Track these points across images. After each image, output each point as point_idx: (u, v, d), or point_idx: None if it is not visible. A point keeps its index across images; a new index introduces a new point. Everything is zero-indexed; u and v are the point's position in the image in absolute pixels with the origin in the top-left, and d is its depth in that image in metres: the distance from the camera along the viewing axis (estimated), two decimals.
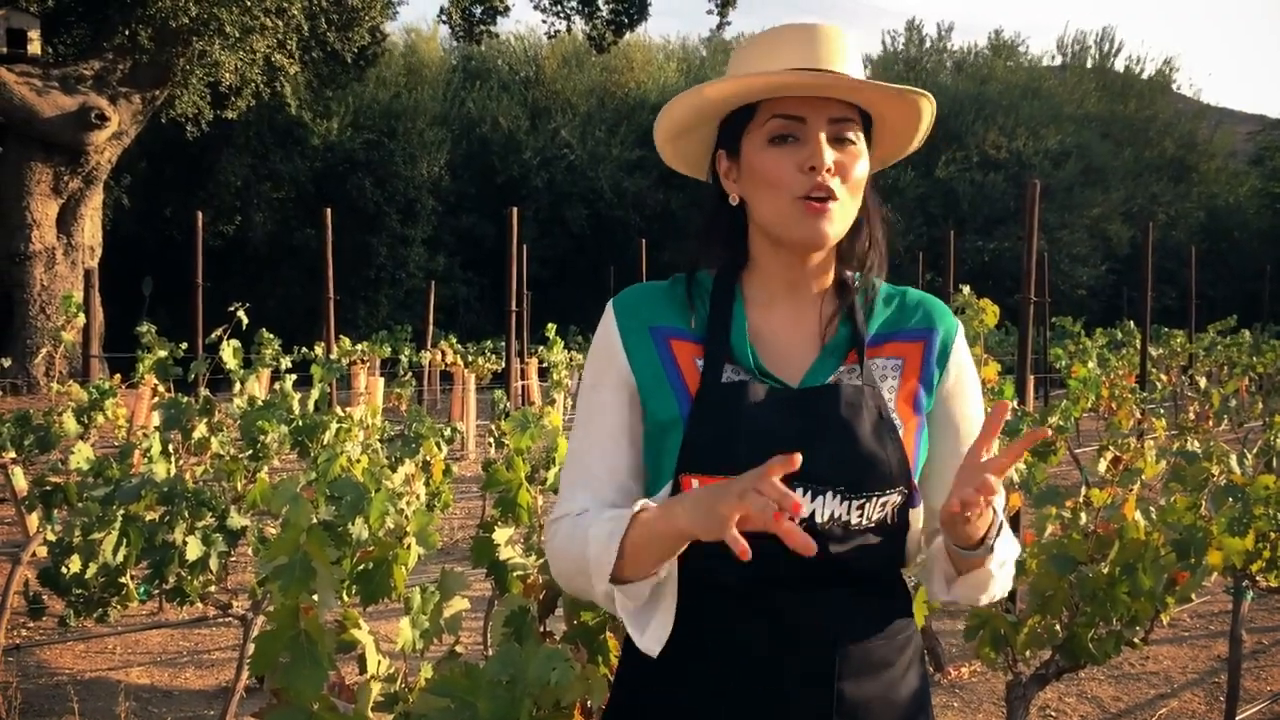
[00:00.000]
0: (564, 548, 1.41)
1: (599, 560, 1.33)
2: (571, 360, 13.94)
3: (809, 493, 1.35)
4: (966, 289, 4.97)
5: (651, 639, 1.36)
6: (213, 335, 6.32)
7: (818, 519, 1.36)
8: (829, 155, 1.37)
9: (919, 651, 1.50)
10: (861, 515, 1.37)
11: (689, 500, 1.26)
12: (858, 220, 1.47)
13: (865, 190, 1.47)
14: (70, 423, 5.47)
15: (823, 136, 1.38)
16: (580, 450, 1.47)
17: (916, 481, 1.43)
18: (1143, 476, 3.87)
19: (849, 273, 1.48)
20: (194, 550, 3.31)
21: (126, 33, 16.58)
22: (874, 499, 1.37)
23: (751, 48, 1.46)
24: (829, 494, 1.35)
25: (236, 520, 3.53)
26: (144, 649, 5.15)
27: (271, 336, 12.38)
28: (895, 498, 1.39)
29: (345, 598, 2.35)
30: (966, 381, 1.49)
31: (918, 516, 1.45)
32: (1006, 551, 1.42)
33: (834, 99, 1.41)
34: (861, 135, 1.43)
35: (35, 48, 16.32)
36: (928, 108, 1.47)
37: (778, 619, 1.37)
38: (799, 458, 1.17)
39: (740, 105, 1.44)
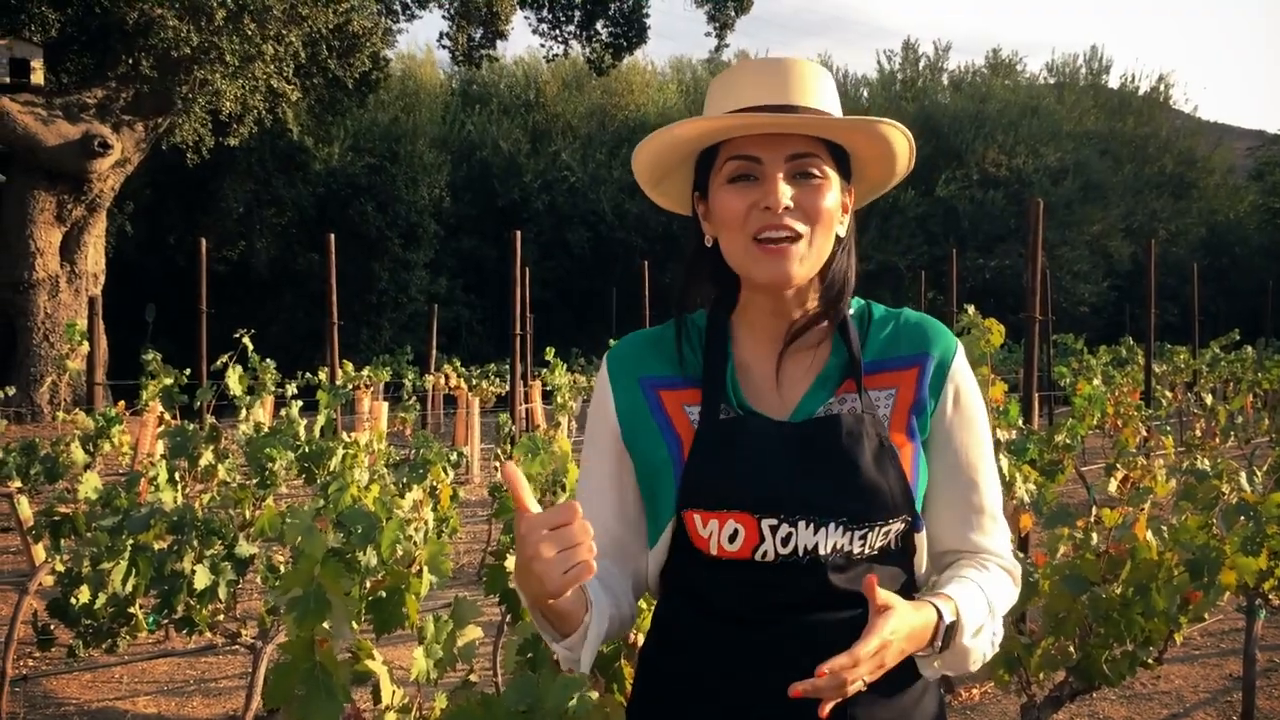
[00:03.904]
0: None
1: (538, 622, 1.39)
2: (575, 383, 13.93)
3: (811, 525, 1.35)
4: (971, 309, 4.96)
5: (587, 666, 1.41)
6: (218, 362, 6.32)
7: (821, 550, 1.36)
8: (785, 194, 1.36)
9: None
10: (864, 545, 1.37)
11: (517, 575, 1.31)
12: (835, 250, 1.44)
13: (849, 225, 1.46)
14: (78, 452, 5.47)
15: (780, 176, 1.36)
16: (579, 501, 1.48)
17: (919, 508, 1.42)
18: (1153, 495, 3.86)
19: (829, 295, 1.46)
20: (203, 579, 3.31)
21: (129, 61, 16.66)
22: (877, 528, 1.37)
23: (718, 85, 1.46)
24: (831, 525, 1.35)
25: (245, 548, 3.52)
26: (151, 678, 5.13)
27: (269, 363, 12.38)
28: (898, 525, 1.39)
29: (355, 626, 2.34)
30: (966, 404, 1.46)
31: (923, 540, 1.44)
32: (978, 616, 1.38)
33: (793, 134, 1.38)
34: (830, 168, 1.40)
35: (38, 77, 16.40)
36: (896, 135, 1.44)
37: (791, 643, 1.37)
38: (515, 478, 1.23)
39: (704, 147, 1.44)
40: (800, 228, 1.37)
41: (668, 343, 1.50)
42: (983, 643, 1.39)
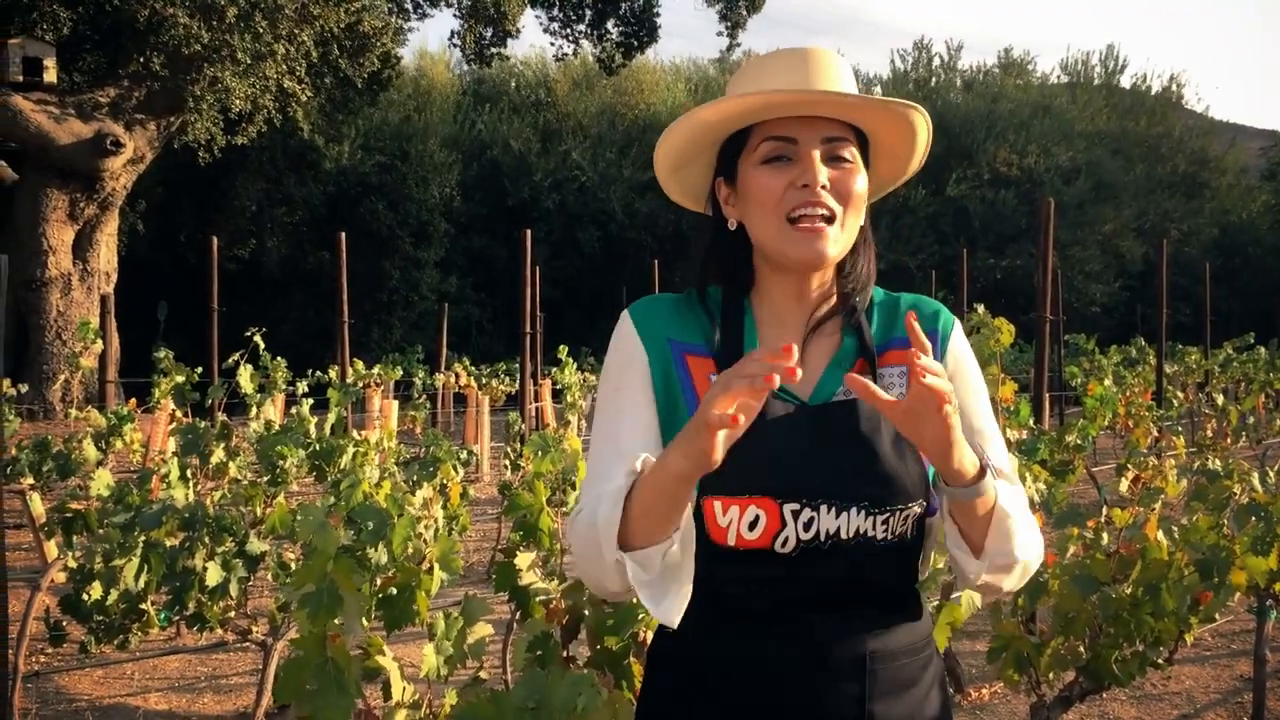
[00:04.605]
0: (580, 531, 1.37)
1: (607, 526, 1.30)
2: (585, 381, 13.94)
3: (833, 509, 1.35)
4: (981, 308, 4.96)
5: (669, 609, 1.32)
6: (230, 360, 6.35)
7: (843, 535, 1.35)
8: (823, 173, 1.38)
9: (940, 672, 1.50)
10: (886, 529, 1.37)
11: (675, 440, 1.24)
12: (856, 242, 1.47)
13: (865, 215, 1.47)
14: (90, 449, 5.50)
15: (816, 155, 1.39)
16: (609, 444, 1.43)
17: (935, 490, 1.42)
18: (1164, 495, 3.85)
19: (851, 287, 1.48)
20: (214, 576, 3.32)
21: (141, 60, 16.72)
22: (897, 512, 1.37)
23: (744, 73, 1.47)
24: (853, 509, 1.35)
25: (256, 545, 3.53)
26: (162, 674, 5.15)
27: (280, 361, 12.42)
28: (916, 509, 1.39)
29: (366, 623, 2.35)
30: (965, 370, 1.49)
31: (934, 526, 1.45)
32: (1016, 502, 1.37)
33: (827, 119, 1.41)
34: (858, 154, 1.43)
35: (51, 76, 16.46)
36: (922, 122, 1.47)
37: (808, 641, 1.37)
38: (795, 350, 1.15)
39: (735, 130, 1.45)
40: (836, 207, 1.39)
41: (693, 310, 1.49)
42: (1022, 523, 1.36)
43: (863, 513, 1.35)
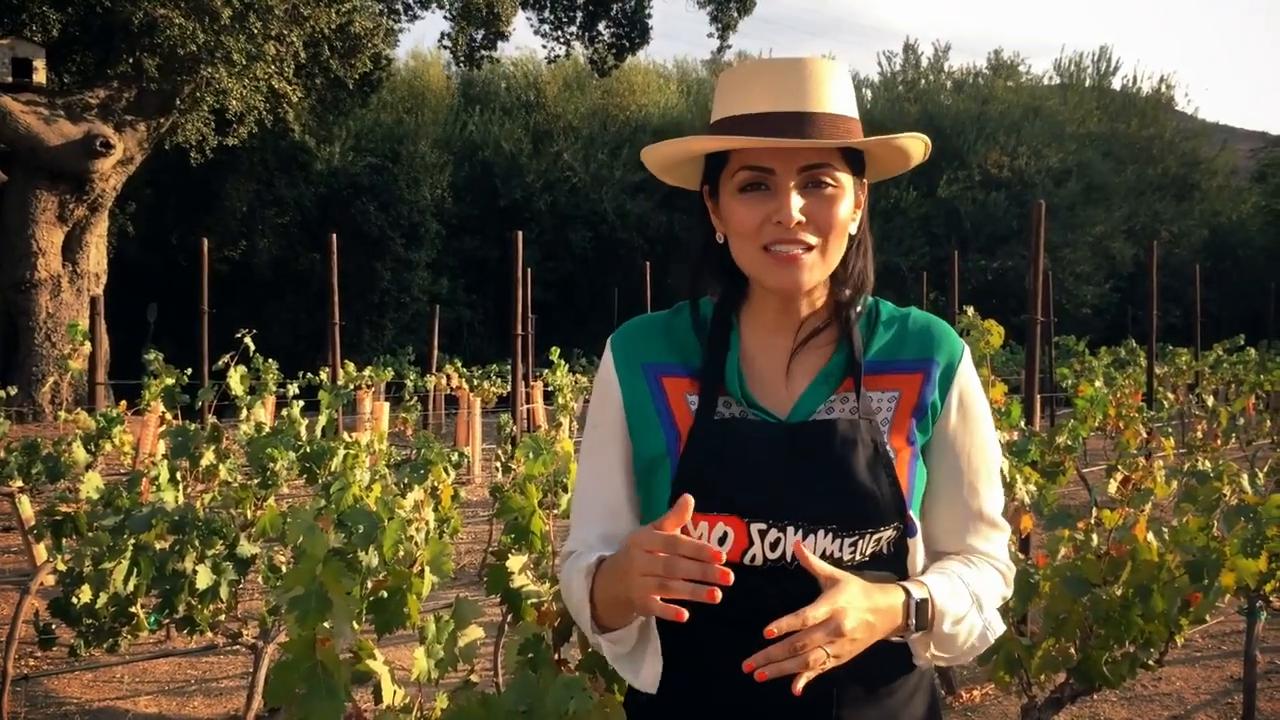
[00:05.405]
0: (564, 590, 1.49)
1: (580, 612, 1.42)
2: (576, 383, 13.93)
3: (800, 530, 1.35)
4: (971, 310, 4.97)
5: (648, 677, 1.42)
6: (220, 362, 6.32)
7: None
8: (795, 208, 1.35)
9: (926, 677, 1.49)
10: (855, 551, 1.37)
11: (616, 575, 1.32)
12: (849, 249, 1.44)
13: (861, 219, 1.45)
14: (80, 452, 5.48)
15: (792, 186, 1.35)
16: (584, 486, 1.51)
17: (914, 513, 1.41)
18: (1154, 497, 3.86)
19: (847, 293, 1.46)
20: (204, 579, 3.31)
21: (130, 61, 16.66)
22: (867, 535, 1.36)
23: (730, 84, 1.43)
24: (820, 532, 1.35)
25: (246, 548, 3.52)
26: (151, 678, 5.14)
27: (270, 363, 12.38)
28: (889, 533, 1.38)
29: (357, 626, 2.34)
30: (972, 409, 1.46)
31: (916, 545, 1.43)
32: (959, 605, 1.39)
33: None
34: (843, 173, 1.39)
35: (40, 77, 16.40)
36: (911, 143, 1.44)
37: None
38: (689, 501, 1.23)
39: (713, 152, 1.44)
40: (812, 240, 1.37)
41: (676, 329, 1.50)
42: (968, 632, 1.40)
43: (830, 535, 1.35)
